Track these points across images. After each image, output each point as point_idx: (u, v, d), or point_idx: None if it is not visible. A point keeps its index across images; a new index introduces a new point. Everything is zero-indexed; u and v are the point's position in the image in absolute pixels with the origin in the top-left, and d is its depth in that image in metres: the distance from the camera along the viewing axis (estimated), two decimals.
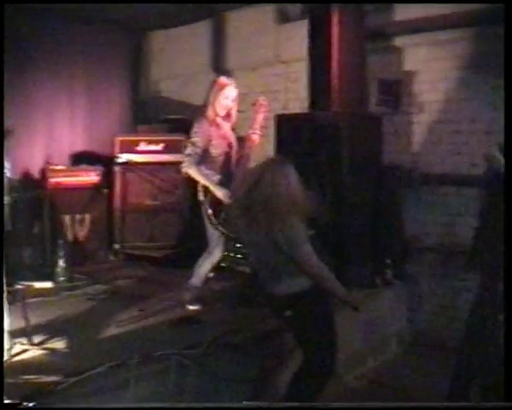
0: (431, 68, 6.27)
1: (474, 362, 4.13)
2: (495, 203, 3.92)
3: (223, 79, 5.00)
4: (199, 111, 5.01)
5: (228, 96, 4.94)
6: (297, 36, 6.67)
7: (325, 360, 3.86)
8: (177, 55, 8.11)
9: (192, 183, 5.09)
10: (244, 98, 7.46)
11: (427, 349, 6.01)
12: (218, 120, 4.93)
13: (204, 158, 4.86)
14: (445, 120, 6.21)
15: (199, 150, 4.80)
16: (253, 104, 5.15)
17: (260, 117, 5.05)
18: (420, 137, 6.36)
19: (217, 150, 4.90)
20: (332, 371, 3.90)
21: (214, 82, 4.97)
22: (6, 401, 3.16)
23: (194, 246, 5.78)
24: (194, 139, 4.84)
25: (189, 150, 4.84)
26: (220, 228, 4.84)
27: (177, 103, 7.81)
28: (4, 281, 3.93)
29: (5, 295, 3.93)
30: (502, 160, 3.80)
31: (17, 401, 3.21)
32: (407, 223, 6.18)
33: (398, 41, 6.43)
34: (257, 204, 3.72)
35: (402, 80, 6.41)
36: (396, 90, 6.40)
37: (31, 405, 3.19)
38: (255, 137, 5.02)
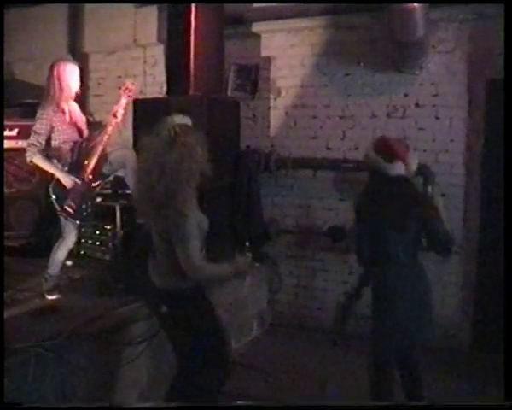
0: (288, 55, 6.43)
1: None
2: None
3: (62, 62, 4.86)
4: (43, 98, 4.83)
5: (72, 75, 4.83)
6: (155, 19, 6.60)
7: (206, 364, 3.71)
8: (31, 37, 7.74)
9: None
10: (102, 82, 7.40)
11: (287, 329, 6.20)
12: (64, 105, 4.80)
13: (49, 145, 4.74)
14: (302, 105, 6.39)
15: (41, 138, 4.68)
16: (119, 88, 4.96)
17: (124, 101, 4.88)
18: (277, 121, 6.51)
19: (61, 137, 4.77)
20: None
21: (53, 67, 4.80)
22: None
23: (50, 234, 5.64)
24: (36, 127, 4.70)
25: (31, 139, 4.70)
26: (64, 214, 4.73)
27: (32, 87, 7.49)
28: None
29: None
30: (375, 157, 3.98)
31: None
32: (265, 206, 6.29)
33: (256, 27, 6.52)
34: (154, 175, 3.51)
35: (259, 66, 6.52)
36: (253, 76, 6.50)
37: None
38: (112, 119, 4.81)
